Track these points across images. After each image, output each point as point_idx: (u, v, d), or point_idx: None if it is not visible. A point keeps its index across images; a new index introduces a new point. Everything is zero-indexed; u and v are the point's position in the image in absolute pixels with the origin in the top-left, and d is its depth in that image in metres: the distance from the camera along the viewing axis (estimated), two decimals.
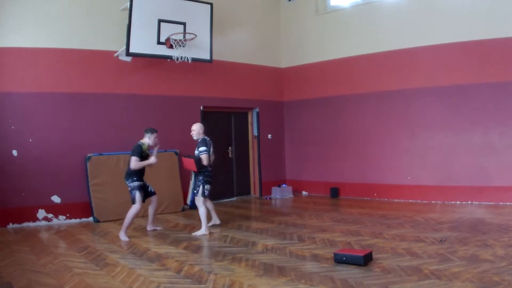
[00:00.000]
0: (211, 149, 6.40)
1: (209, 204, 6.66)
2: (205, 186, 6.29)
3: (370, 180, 9.24)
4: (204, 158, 6.19)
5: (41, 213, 7.20)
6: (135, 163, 5.99)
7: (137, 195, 6.07)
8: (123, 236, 6.04)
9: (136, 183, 6.09)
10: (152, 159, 6.15)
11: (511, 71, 7.60)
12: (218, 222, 6.81)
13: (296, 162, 10.64)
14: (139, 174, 6.13)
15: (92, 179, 7.41)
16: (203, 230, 6.22)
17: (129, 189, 6.11)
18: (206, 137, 6.39)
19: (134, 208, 6.05)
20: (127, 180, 6.11)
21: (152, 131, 6.28)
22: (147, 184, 6.38)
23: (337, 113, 9.79)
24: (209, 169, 6.35)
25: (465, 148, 8.04)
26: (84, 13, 7.67)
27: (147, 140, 6.22)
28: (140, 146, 6.13)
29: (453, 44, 8.11)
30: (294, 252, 5.10)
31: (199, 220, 6.39)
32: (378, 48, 9.07)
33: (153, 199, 6.46)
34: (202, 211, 6.25)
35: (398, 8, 8.80)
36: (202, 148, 6.23)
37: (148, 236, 6.23)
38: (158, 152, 6.39)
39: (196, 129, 6.41)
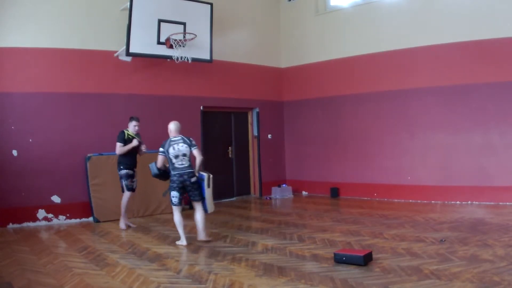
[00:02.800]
0: (176, 149, 5.49)
1: (181, 217, 5.60)
2: (171, 193, 5.53)
3: (370, 180, 9.24)
4: (158, 159, 5.59)
5: (41, 213, 7.20)
6: (118, 148, 6.55)
7: (123, 183, 6.61)
8: (121, 224, 6.71)
9: (123, 171, 6.64)
10: (134, 141, 6.55)
11: (511, 71, 7.60)
12: (184, 243, 5.59)
13: (296, 162, 10.64)
14: (125, 162, 6.64)
15: (92, 179, 7.41)
16: (181, 241, 5.61)
17: (119, 177, 6.67)
18: (172, 137, 5.61)
19: (124, 195, 6.64)
20: (117, 168, 6.70)
21: (131, 119, 6.75)
22: (134, 177, 6.76)
23: (337, 113, 9.79)
24: (174, 173, 5.50)
25: (465, 148, 8.04)
26: (84, 13, 7.67)
27: (130, 127, 6.73)
28: (122, 132, 6.68)
29: (453, 44, 8.11)
30: (294, 252, 5.10)
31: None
32: (378, 48, 9.07)
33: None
34: (175, 220, 5.60)
35: (398, 8, 8.80)
36: (160, 149, 5.60)
37: (148, 236, 6.23)
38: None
39: (168, 128, 5.74)
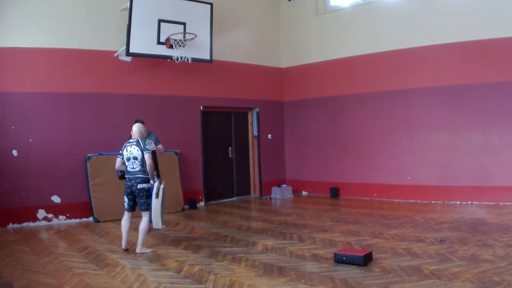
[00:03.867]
0: (129, 151, 5.26)
1: (125, 222, 5.35)
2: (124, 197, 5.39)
3: (370, 180, 9.24)
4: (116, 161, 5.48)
5: (41, 213, 7.20)
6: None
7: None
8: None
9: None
10: None
11: (511, 71, 7.60)
12: (123, 246, 5.40)
13: (296, 162, 10.64)
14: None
15: (92, 179, 7.41)
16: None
17: None
18: (130, 139, 5.42)
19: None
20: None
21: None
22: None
23: (337, 113, 9.78)
24: (126, 176, 5.35)
25: (465, 148, 8.04)
26: (84, 13, 7.67)
27: None
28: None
29: (453, 44, 8.11)
30: (294, 252, 5.10)
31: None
32: (378, 48, 9.07)
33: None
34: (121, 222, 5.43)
35: (398, 8, 8.80)
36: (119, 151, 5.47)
37: (148, 236, 6.21)
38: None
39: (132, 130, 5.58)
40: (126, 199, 5.33)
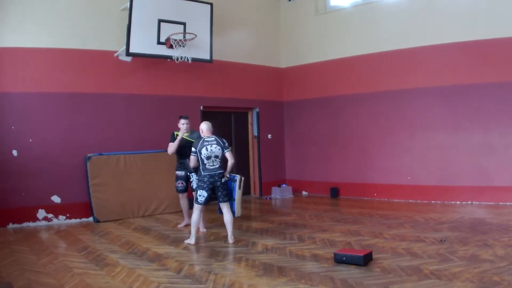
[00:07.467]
0: (209, 150, 5.47)
1: (198, 217, 5.70)
2: (198, 192, 5.56)
3: (370, 180, 9.24)
4: (190, 159, 5.63)
5: (41, 213, 7.20)
6: (169, 148, 6.43)
7: (178, 187, 6.61)
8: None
9: (176, 172, 6.57)
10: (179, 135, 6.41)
11: (511, 71, 7.60)
12: (193, 242, 5.66)
13: (296, 162, 10.64)
14: (178, 163, 6.55)
15: (92, 179, 7.41)
16: (190, 239, 5.69)
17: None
18: (204, 136, 5.62)
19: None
20: None
21: (180, 117, 6.55)
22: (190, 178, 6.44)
23: (337, 113, 9.79)
24: (204, 173, 5.51)
25: (465, 148, 8.04)
26: (84, 13, 7.66)
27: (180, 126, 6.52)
28: (172, 133, 6.57)
29: (453, 44, 8.11)
30: (294, 252, 5.10)
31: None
32: (378, 48, 9.07)
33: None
34: (192, 218, 5.64)
35: (398, 8, 8.80)
36: (192, 149, 5.62)
37: (148, 236, 6.23)
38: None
39: (200, 128, 5.80)
40: (205, 193, 5.54)
